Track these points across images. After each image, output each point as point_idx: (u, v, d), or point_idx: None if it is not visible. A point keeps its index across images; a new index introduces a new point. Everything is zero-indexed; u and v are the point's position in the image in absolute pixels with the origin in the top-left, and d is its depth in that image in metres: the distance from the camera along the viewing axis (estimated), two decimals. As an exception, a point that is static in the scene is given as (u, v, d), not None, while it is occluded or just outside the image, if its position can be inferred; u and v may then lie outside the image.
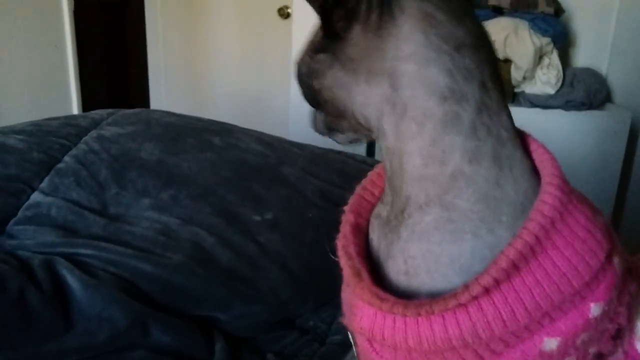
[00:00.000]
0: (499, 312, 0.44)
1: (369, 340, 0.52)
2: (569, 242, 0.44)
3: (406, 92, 0.45)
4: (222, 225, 1.13)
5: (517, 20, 2.09)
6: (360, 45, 0.47)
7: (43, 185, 1.13)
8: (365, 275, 0.50)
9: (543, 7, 2.09)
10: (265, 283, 1.08)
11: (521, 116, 2.13)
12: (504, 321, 0.44)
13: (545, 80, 2.14)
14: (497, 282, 0.43)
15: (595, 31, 2.33)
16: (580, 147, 2.14)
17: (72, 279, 0.95)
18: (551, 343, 0.45)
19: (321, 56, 0.51)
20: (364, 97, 0.48)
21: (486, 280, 0.43)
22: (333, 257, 0.57)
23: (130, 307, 0.95)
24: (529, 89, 2.18)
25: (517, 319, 0.43)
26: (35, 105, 2.59)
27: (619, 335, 0.49)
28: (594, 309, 0.45)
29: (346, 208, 0.57)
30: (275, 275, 1.10)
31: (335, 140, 0.59)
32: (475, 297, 0.44)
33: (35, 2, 2.54)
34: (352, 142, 0.58)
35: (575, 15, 2.30)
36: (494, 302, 0.44)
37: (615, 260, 0.47)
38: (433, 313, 0.45)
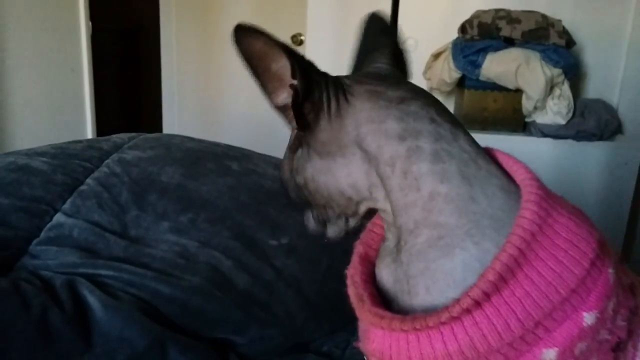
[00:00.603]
0: (493, 324, 0.46)
1: None
2: (551, 253, 0.48)
3: (373, 146, 0.54)
4: (239, 249, 1.14)
5: (529, 52, 2.12)
6: (327, 129, 0.56)
7: (66, 206, 1.16)
8: (366, 298, 0.56)
9: (554, 38, 2.13)
10: (280, 307, 1.10)
11: (532, 146, 2.16)
12: (498, 333, 0.46)
13: (557, 110, 2.17)
14: (487, 295, 0.47)
15: (606, 63, 2.36)
16: (591, 177, 2.15)
17: (93, 300, 0.97)
18: (550, 354, 0.47)
19: (299, 152, 0.60)
20: (345, 169, 0.56)
21: (476, 293, 0.47)
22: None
23: (149, 328, 0.96)
24: (540, 118, 2.20)
25: (511, 330, 0.46)
26: (51, 128, 2.63)
27: (619, 347, 0.51)
28: (588, 318, 0.47)
29: (358, 241, 0.64)
30: (291, 299, 1.11)
31: (328, 236, 0.66)
32: (468, 311, 0.47)
33: (54, 27, 2.61)
34: (342, 234, 0.64)
35: (586, 47, 2.34)
36: (487, 315, 0.47)
37: (609, 271, 0.49)
38: (428, 326, 0.48)
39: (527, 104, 2.16)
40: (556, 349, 0.47)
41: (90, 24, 2.73)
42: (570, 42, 2.19)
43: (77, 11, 2.67)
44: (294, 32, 3.03)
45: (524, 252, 0.47)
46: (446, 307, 0.48)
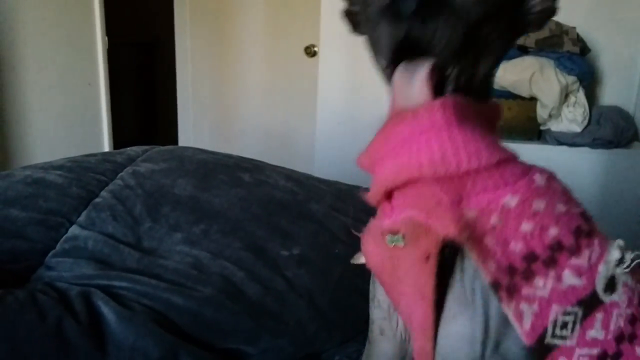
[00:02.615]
0: (465, 142, 0.54)
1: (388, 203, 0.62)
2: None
3: None
4: (251, 259, 1.15)
5: (543, 59, 2.12)
6: None
7: (81, 219, 1.18)
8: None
9: (569, 46, 2.12)
10: (292, 317, 1.10)
11: (547, 154, 2.15)
12: (468, 155, 0.54)
13: (572, 118, 2.15)
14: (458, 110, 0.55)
15: (622, 70, 2.34)
16: (607, 185, 2.13)
17: (108, 310, 0.98)
18: (512, 201, 0.56)
19: None
20: None
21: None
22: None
23: (162, 339, 0.97)
24: (555, 126, 2.19)
25: (478, 158, 0.54)
26: (68, 140, 2.68)
27: (580, 234, 0.58)
28: (539, 179, 0.58)
29: None
30: (302, 310, 1.11)
31: None
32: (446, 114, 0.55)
33: (71, 42, 2.66)
34: None
35: (601, 54, 2.32)
36: (460, 133, 0.55)
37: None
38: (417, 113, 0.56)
39: (541, 112, 2.15)
40: (517, 196, 0.56)
41: (106, 38, 2.78)
42: (584, 49, 2.17)
43: (93, 26, 2.72)
44: (307, 43, 3.05)
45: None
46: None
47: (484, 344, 0.58)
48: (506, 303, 0.56)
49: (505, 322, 0.58)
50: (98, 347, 0.93)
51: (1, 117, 2.36)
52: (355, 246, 1.22)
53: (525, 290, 0.56)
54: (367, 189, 1.56)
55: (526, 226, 0.56)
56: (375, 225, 0.66)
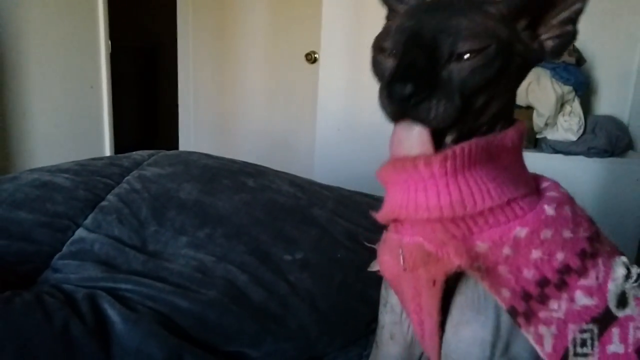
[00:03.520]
0: (479, 185, 0.58)
1: (401, 231, 0.65)
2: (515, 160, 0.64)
3: None
4: (255, 263, 1.17)
5: (539, 69, 2.15)
6: None
7: (87, 222, 1.20)
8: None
9: (565, 56, 2.15)
10: (295, 321, 1.12)
11: (543, 162, 2.17)
12: (482, 195, 0.58)
13: (567, 127, 2.18)
14: (470, 156, 0.58)
15: (617, 80, 2.37)
16: (602, 194, 2.16)
17: (113, 313, 1.00)
18: (522, 232, 0.59)
19: None
20: None
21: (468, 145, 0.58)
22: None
23: (167, 342, 0.99)
24: (550, 135, 2.22)
25: (491, 196, 0.58)
26: (70, 143, 2.69)
27: (586, 256, 0.61)
28: (548, 209, 0.61)
29: None
30: (305, 313, 1.13)
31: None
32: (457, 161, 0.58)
33: (75, 45, 2.67)
34: None
35: (596, 65, 2.35)
36: (474, 177, 0.59)
37: (560, 188, 0.66)
38: (430, 162, 0.58)
39: (538, 121, 2.18)
40: (526, 229, 0.59)
41: (109, 42, 2.79)
42: (580, 60, 2.21)
43: (96, 30, 2.74)
44: (308, 49, 3.07)
45: (509, 144, 0.62)
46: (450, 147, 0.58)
47: (494, 346, 0.61)
48: (525, 328, 0.60)
49: (515, 326, 0.61)
50: (103, 349, 0.95)
51: (3, 120, 2.38)
52: (356, 251, 1.25)
53: (542, 314, 0.60)
54: (366, 195, 1.57)
55: (536, 253, 0.60)
56: (391, 239, 0.68)
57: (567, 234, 0.61)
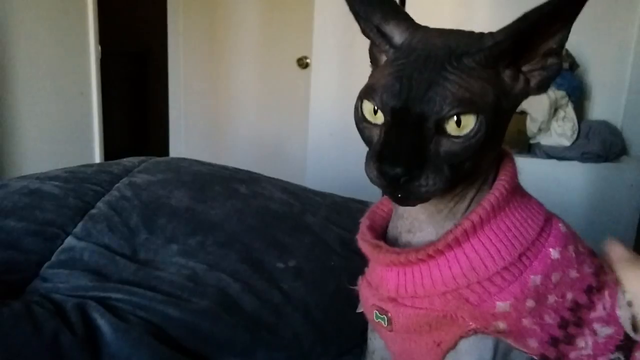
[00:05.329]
0: (487, 249, 0.58)
1: (395, 300, 0.64)
2: (519, 210, 0.62)
3: None
4: (247, 271, 1.16)
5: (533, 74, 2.14)
6: None
7: (77, 230, 1.17)
8: (383, 244, 0.64)
9: (557, 62, 2.15)
10: (288, 330, 1.10)
11: (537, 167, 2.17)
12: (493, 257, 0.58)
13: (561, 132, 2.18)
14: (480, 224, 0.59)
15: (610, 85, 2.38)
16: (596, 199, 2.16)
17: (103, 323, 0.98)
18: (537, 279, 0.59)
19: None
20: None
21: (474, 217, 0.59)
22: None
23: (158, 352, 0.97)
24: (544, 140, 2.22)
25: (502, 257, 0.58)
26: (60, 149, 2.67)
27: (592, 291, 0.62)
28: (553, 253, 0.60)
29: (364, 217, 0.72)
30: (299, 322, 1.12)
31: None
32: (468, 235, 0.59)
33: (64, 50, 2.65)
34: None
35: (590, 70, 2.36)
36: (482, 242, 0.59)
37: (560, 225, 0.63)
38: (438, 250, 0.59)
39: (531, 126, 2.18)
40: (539, 275, 0.59)
41: (99, 47, 2.78)
42: (573, 65, 2.21)
43: (86, 35, 2.72)
44: (299, 55, 3.07)
45: (504, 198, 0.61)
46: (450, 231, 0.59)
47: None
48: None
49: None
50: (94, 360, 0.93)
51: (-8, 126, 2.35)
52: (350, 259, 1.23)
53: (573, 354, 0.60)
54: (360, 201, 1.56)
55: (551, 298, 0.60)
56: (372, 278, 0.69)
57: (573, 274, 0.61)
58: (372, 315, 0.68)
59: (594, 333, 0.60)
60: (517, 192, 0.63)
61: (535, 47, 0.56)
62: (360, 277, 0.73)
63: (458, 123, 0.53)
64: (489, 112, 0.54)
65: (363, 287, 0.71)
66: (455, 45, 0.55)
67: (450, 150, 0.54)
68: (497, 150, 0.62)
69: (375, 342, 0.78)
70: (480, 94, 0.54)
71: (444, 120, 0.53)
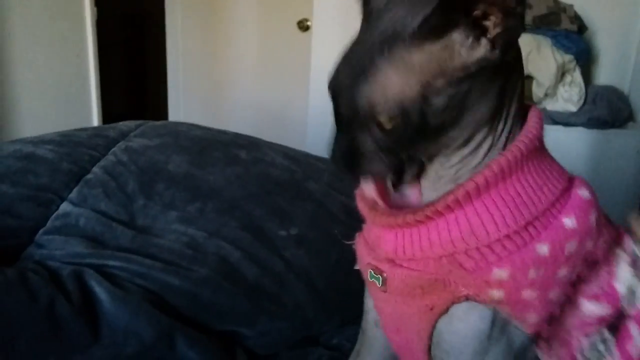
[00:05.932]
0: (491, 214, 0.55)
1: (392, 261, 0.62)
2: (538, 170, 0.58)
3: None
4: (248, 239, 1.13)
5: (540, 37, 2.09)
6: None
7: (72, 195, 1.14)
8: (380, 203, 0.62)
9: (566, 24, 2.09)
10: (290, 299, 1.08)
11: (543, 133, 2.11)
12: (496, 224, 0.55)
13: (567, 97, 2.14)
14: (486, 187, 0.56)
15: (618, 49, 2.32)
16: (602, 165, 2.12)
17: (101, 291, 0.95)
18: (544, 249, 0.55)
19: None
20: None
21: (480, 179, 0.55)
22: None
23: (157, 320, 0.95)
24: (550, 105, 2.17)
25: (507, 224, 0.55)
26: (57, 113, 2.62)
27: (594, 265, 0.59)
28: (568, 222, 0.57)
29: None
30: (301, 291, 1.10)
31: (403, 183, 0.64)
32: (470, 198, 0.56)
33: (59, 13, 2.58)
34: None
35: (598, 33, 2.30)
36: (485, 205, 0.55)
37: (580, 192, 0.60)
38: (437, 211, 0.57)
39: (537, 91, 2.13)
40: (547, 245, 0.55)
41: (95, 9, 2.70)
42: (582, 28, 2.15)
43: (82, -5, 2.65)
44: (300, 17, 2.99)
45: (517, 162, 0.57)
46: (450, 192, 0.56)
47: (490, 337, 0.59)
48: (547, 355, 0.59)
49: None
50: (91, 329, 0.91)
51: (-15, 89, 2.30)
52: (354, 227, 1.20)
53: (563, 335, 0.59)
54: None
55: (562, 272, 0.57)
56: (369, 237, 0.68)
57: (589, 244, 0.59)
58: (367, 274, 0.66)
59: (579, 309, 0.59)
60: (536, 155, 0.59)
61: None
62: (357, 234, 0.71)
63: (386, 120, 0.54)
64: (433, 90, 0.52)
65: (359, 245, 0.69)
66: (399, 24, 0.52)
67: (387, 141, 0.55)
68: (482, 110, 0.56)
69: (370, 302, 0.76)
70: (420, 80, 0.52)
71: (382, 119, 0.54)
